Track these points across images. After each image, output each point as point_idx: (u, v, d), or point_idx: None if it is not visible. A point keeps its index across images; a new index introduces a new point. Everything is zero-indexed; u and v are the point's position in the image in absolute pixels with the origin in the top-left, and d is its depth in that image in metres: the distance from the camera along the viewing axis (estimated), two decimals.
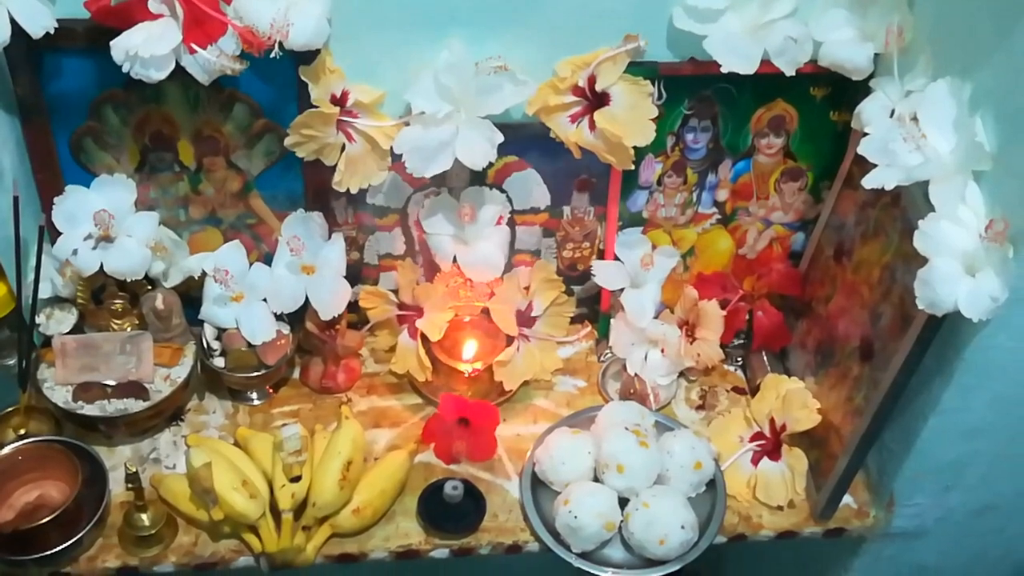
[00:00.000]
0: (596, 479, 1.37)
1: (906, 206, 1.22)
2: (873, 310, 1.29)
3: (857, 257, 1.36)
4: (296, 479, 1.31)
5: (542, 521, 1.35)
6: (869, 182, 1.15)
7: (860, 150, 1.19)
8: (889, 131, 1.17)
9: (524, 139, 1.39)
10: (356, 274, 1.53)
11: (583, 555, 1.32)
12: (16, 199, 1.25)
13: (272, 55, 1.18)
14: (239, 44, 1.19)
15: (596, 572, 1.31)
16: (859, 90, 1.34)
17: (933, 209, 1.12)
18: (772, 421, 1.43)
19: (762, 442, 1.44)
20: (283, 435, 1.32)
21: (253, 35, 1.17)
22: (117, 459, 1.39)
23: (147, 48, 1.16)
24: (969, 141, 1.10)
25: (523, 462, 1.42)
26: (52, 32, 1.19)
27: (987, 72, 1.11)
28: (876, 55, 1.30)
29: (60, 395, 1.37)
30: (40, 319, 1.38)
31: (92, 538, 1.30)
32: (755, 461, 1.43)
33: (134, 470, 1.24)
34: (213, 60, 1.19)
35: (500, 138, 1.30)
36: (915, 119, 1.14)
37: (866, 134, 1.23)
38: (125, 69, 1.18)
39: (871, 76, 1.31)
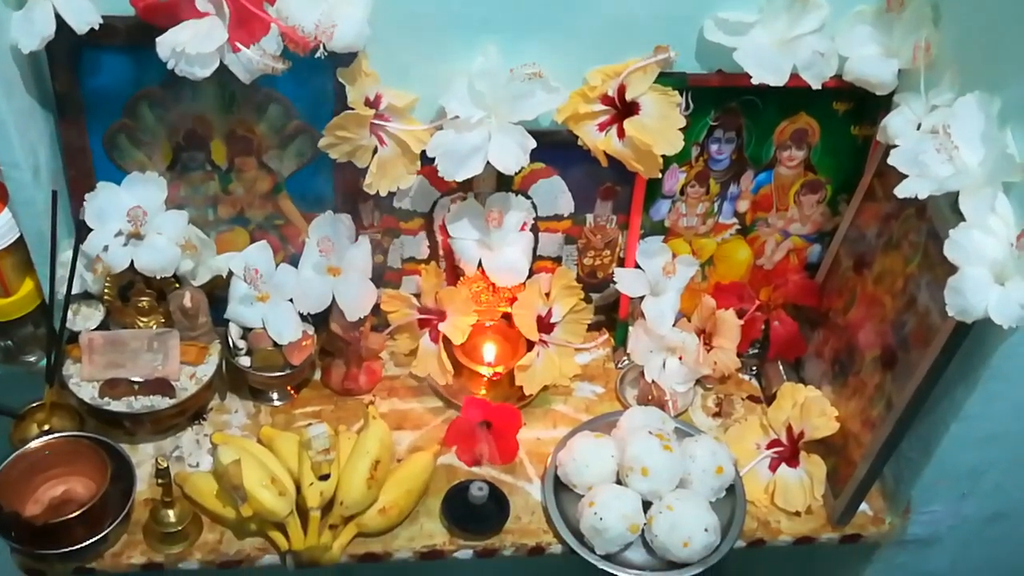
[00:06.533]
0: (618, 482, 1.39)
1: (932, 217, 1.24)
2: (896, 320, 1.31)
3: (878, 268, 1.38)
4: (324, 477, 1.31)
5: (565, 523, 1.36)
6: (902, 191, 1.17)
7: (892, 161, 1.21)
8: (920, 143, 1.19)
9: (551, 146, 1.40)
10: (379, 277, 1.53)
11: (606, 557, 1.33)
12: (55, 193, 1.25)
13: (317, 55, 1.19)
14: (281, 44, 1.20)
15: (619, 574, 1.32)
16: (880, 105, 1.37)
17: (960, 220, 1.14)
18: (790, 428, 1.45)
19: (780, 449, 1.46)
20: (311, 434, 1.32)
21: (298, 35, 1.18)
22: (140, 456, 1.39)
23: (193, 46, 1.17)
24: (999, 153, 1.13)
25: (544, 465, 1.43)
26: (96, 28, 1.19)
27: (1015, 86, 1.14)
28: (900, 71, 1.33)
29: (87, 391, 1.36)
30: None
31: (117, 534, 1.30)
32: (773, 468, 1.44)
33: (165, 465, 1.24)
34: (256, 59, 1.19)
35: (532, 144, 1.32)
36: (947, 131, 1.16)
37: (894, 146, 1.25)
38: (170, 66, 1.18)
39: (894, 91, 1.34)
